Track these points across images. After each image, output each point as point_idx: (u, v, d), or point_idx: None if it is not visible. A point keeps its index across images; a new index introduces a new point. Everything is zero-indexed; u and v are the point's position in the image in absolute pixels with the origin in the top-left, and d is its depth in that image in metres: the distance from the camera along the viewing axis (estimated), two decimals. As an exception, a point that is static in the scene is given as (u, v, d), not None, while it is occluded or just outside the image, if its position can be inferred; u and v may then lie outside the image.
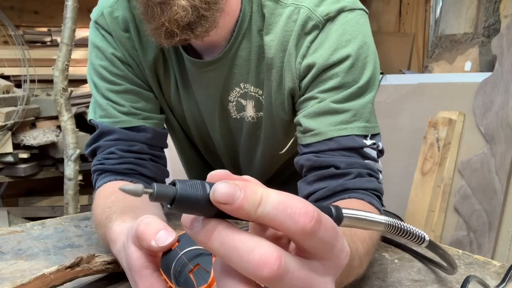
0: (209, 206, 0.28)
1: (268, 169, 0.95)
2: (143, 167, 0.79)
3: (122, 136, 0.79)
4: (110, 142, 0.79)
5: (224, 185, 0.28)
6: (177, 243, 0.42)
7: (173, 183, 0.29)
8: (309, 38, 0.70)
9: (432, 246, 0.43)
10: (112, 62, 0.79)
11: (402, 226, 0.38)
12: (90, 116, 0.83)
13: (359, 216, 0.35)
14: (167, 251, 0.42)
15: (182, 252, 0.40)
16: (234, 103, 0.81)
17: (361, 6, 0.73)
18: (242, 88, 0.78)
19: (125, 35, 0.78)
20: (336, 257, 0.31)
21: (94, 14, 0.80)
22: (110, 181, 0.76)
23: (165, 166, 0.85)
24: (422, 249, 0.73)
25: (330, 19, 0.70)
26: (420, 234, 0.39)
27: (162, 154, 0.84)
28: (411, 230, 0.38)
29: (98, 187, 0.77)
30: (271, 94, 0.76)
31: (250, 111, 0.81)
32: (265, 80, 0.76)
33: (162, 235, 0.42)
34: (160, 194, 0.28)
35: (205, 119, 0.86)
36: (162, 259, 0.42)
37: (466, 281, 0.55)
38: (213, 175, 0.30)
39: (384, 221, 0.36)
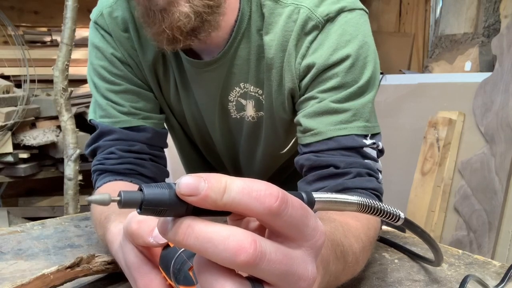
0: (178, 204, 0.29)
1: (269, 168, 0.95)
2: (143, 167, 0.79)
3: (122, 136, 0.79)
4: (110, 142, 0.79)
5: (188, 178, 0.28)
6: None
7: (140, 189, 0.29)
8: (309, 38, 0.70)
9: (408, 224, 0.43)
10: (112, 62, 0.79)
11: (376, 205, 0.38)
12: (90, 116, 0.83)
13: (331, 199, 0.36)
14: (166, 249, 0.42)
15: (182, 250, 0.40)
16: (234, 103, 0.81)
17: (361, 6, 0.73)
18: (242, 87, 0.78)
19: (125, 35, 0.79)
20: (310, 236, 0.31)
21: (93, 15, 0.81)
22: (109, 181, 0.76)
23: (165, 166, 0.85)
24: (418, 249, 0.73)
25: (330, 19, 0.70)
26: (395, 212, 0.39)
27: (162, 154, 0.84)
28: (385, 209, 0.39)
29: (98, 187, 0.77)
30: (271, 94, 0.76)
31: (250, 111, 0.81)
32: (265, 80, 0.76)
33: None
34: (127, 200, 0.28)
35: (205, 119, 0.86)
36: (161, 257, 0.42)
37: (464, 280, 0.55)
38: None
39: (356, 201, 0.37)
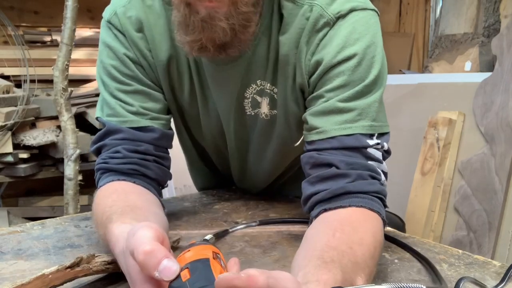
0: None
1: (278, 167, 0.96)
2: (147, 168, 0.79)
3: (129, 136, 0.78)
4: (116, 141, 0.78)
5: None
6: (188, 276, 0.42)
7: None
8: (320, 35, 0.72)
9: None
10: (124, 62, 0.80)
11: None
12: (97, 113, 0.83)
13: None
14: (176, 280, 0.42)
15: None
16: (250, 100, 0.82)
17: (373, 7, 0.74)
18: (259, 85, 0.80)
19: (138, 35, 0.79)
20: None
21: (107, 14, 0.81)
22: (113, 180, 0.75)
23: (169, 167, 0.85)
24: (418, 249, 0.73)
25: (341, 17, 0.71)
26: None
27: (167, 155, 0.84)
28: None
29: (101, 186, 0.76)
30: (286, 90, 0.78)
31: (264, 108, 0.82)
32: (279, 76, 0.77)
33: (165, 266, 0.42)
34: None
35: (220, 116, 0.86)
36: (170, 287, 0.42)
37: (457, 284, 0.56)
38: (221, 279, 0.36)
39: None
